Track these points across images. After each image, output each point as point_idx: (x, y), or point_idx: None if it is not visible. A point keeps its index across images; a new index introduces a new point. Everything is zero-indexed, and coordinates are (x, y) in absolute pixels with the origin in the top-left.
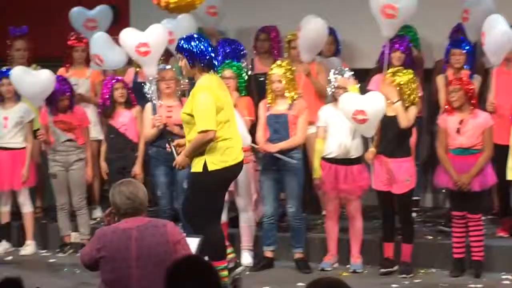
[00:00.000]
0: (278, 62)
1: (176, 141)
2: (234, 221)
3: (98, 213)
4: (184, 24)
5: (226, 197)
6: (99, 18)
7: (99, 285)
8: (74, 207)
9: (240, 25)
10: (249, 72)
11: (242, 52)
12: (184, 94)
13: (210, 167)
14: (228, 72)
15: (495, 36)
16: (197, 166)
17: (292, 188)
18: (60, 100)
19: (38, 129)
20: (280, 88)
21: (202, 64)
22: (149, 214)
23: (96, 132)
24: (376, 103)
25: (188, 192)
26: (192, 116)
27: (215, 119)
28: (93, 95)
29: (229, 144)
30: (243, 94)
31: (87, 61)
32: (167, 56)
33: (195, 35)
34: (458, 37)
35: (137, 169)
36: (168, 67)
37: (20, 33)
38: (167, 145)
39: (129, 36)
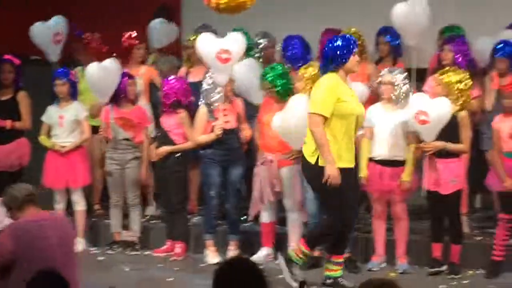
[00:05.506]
0: None
1: None
2: (282, 221)
3: (150, 211)
4: None
5: (273, 197)
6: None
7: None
8: (128, 204)
9: None
10: None
11: None
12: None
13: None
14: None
15: None
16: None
17: None
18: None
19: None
20: None
21: None
22: (200, 213)
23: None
24: (441, 108)
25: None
26: None
27: None
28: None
29: None
30: None
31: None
32: None
33: None
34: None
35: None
36: None
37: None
38: None
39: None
